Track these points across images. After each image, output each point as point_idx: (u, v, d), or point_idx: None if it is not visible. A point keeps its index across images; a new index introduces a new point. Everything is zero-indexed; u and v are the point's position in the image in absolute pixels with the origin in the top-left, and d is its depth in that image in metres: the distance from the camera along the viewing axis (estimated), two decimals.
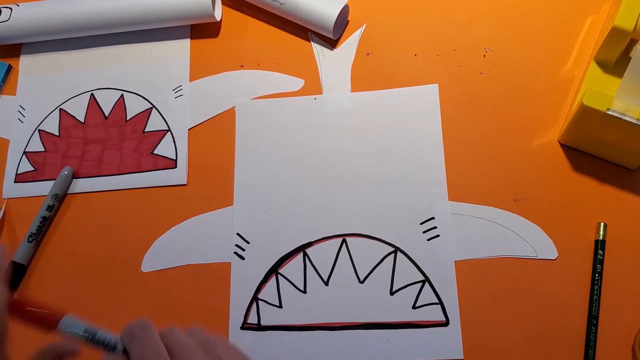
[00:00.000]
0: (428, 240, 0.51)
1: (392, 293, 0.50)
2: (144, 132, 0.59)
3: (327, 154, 0.56)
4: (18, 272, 0.54)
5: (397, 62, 0.58)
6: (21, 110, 0.62)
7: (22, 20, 0.62)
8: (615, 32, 0.49)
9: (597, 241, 0.49)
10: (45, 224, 0.56)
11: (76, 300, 0.53)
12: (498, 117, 0.55)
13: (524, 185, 0.52)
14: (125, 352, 0.34)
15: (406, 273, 0.51)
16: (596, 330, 0.47)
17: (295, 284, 0.51)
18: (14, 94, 0.63)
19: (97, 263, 0.55)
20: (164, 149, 0.58)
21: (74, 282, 0.54)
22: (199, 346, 0.34)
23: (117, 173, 0.58)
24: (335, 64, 0.59)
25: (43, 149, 0.60)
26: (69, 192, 0.58)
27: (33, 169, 0.59)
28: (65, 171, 0.57)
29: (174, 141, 0.58)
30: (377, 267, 0.51)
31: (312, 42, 0.61)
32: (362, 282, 0.51)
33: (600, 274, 0.48)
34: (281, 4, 0.59)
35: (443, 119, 0.55)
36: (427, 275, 0.50)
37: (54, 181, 0.57)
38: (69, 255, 0.55)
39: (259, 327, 0.50)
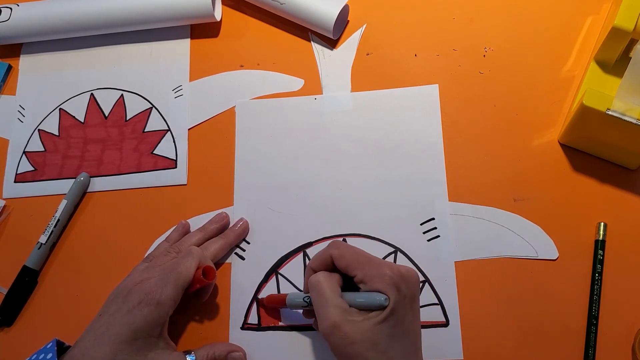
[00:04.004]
0: (428, 240, 0.51)
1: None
2: (143, 132, 0.59)
3: (327, 154, 0.56)
4: (31, 278, 0.54)
5: (397, 62, 0.58)
6: (21, 110, 0.62)
7: (22, 20, 0.62)
8: (615, 32, 0.49)
9: (597, 241, 0.49)
10: (58, 229, 0.56)
11: (76, 299, 0.54)
12: (498, 117, 0.55)
13: (524, 185, 0.52)
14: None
15: None
16: (596, 330, 0.47)
17: (295, 284, 0.51)
18: (14, 94, 0.63)
19: (97, 262, 0.55)
20: (164, 149, 0.58)
21: (73, 282, 0.54)
22: None
23: (117, 173, 0.58)
24: (335, 64, 0.59)
25: (43, 149, 0.60)
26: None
27: (33, 169, 0.59)
28: (82, 177, 0.57)
29: (174, 141, 0.58)
30: None
31: (312, 42, 0.60)
32: None
33: (600, 274, 0.48)
34: (281, 4, 0.59)
35: (443, 119, 0.55)
36: (427, 275, 0.50)
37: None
38: (68, 254, 0.55)
39: (259, 327, 0.50)
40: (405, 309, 0.40)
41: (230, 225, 0.54)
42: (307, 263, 0.52)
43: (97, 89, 0.62)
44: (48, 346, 0.43)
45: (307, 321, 0.50)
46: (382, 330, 0.39)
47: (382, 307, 0.39)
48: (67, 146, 0.60)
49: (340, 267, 0.42)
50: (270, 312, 0.51)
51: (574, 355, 0.47)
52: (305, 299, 0.45)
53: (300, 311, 0.49)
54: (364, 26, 0.60)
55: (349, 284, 0.42)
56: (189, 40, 0.63)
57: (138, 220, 0.56)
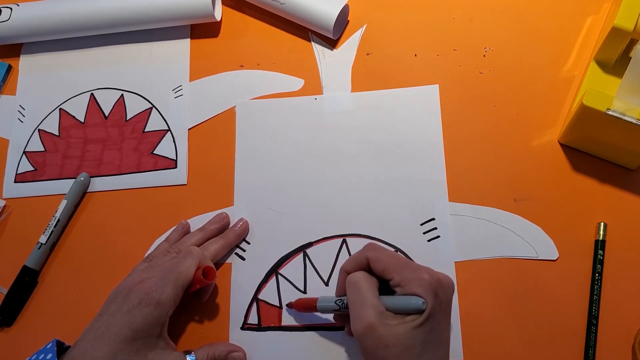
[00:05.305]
0: (428, 241, 0.51)
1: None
2: (144, 132, 0.59)
3: (327, 154, 0.56)
4: (31, 278, 0.54)
5: (397, 62, 0.58)
6: (21, 110, 0.62)
7: (22, 20, 0.62)
8: (615, 32, 0.49)
9: (597, 241, 0.49)
10: (58, 229, 0.56)
11: (76, 299, 0.54)
12: (498, 117, 0.55)
13: (524, 185, 0.52)
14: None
15: None
16: (596, 330, 0.47)
17: (295, 284, 0.51)
18: (14, 94, 0.63)
19: (97, 262, 0.55)
20: (164, 149, 0.58)
21: (73, 282, 0.54)
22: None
23: (117, 173, 0.58)
24: (335, 64, 0.59)
25: (43, 149, 0.60)
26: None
27: (33, 169, 0.59)
28: (82, 177, 0.57)
29: (174, 141, 0.58)
30: None
31: (312, 42, 0.60)
32: None
33: (600, 274, 0.48)
34: (281, 4, 0.59)
35: (443, 119, 0.55)
36: None
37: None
38: (68, 254, 0.55)
39: (259, 327, 0.50)
40: (441, 316, 0.39)
41: (230, 225, 0.54)
42: (306, 263, 0.52)
43: (97, 89, 0.62)
44: (48, 346, 0.43)
45: (308, 321, 0.50)
46: (417, 335, 0.38)
47: (419, 311, 0.39)
48: (67, 146, 0.60)
49: (377, 270, 0.42)
50: (272, 312, 0.51)
51: (574, 355, 0.47)
52: (338, 302, 0.44)
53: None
54: (364, 26, 0.60)
55: (383, 289, 0.42)
56: (189, 40, 0.63)
57: (138, 220, 0.56)
